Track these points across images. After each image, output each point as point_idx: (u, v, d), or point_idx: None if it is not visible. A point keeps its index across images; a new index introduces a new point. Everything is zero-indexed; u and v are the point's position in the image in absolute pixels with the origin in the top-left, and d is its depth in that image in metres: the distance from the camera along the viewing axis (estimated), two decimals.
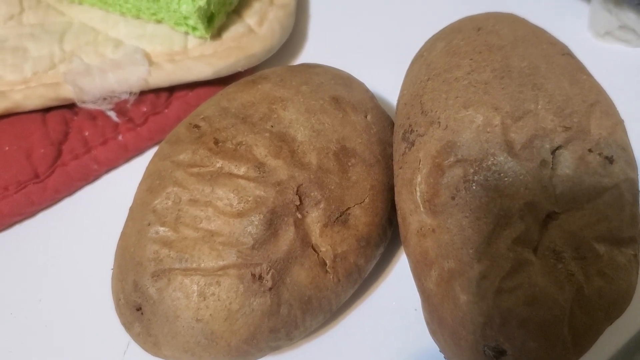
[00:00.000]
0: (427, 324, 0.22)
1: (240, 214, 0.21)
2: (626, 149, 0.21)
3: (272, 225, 0.21)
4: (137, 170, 0.29)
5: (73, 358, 0.25)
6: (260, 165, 0.22)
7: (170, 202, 0.21)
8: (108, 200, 0.29)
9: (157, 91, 0.30)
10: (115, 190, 0.29)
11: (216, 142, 0.22)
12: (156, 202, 0.22)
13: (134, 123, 0.29)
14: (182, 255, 0.21)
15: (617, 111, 0.22)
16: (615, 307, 0.20)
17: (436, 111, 0.21)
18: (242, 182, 0.21)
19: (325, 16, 0.36)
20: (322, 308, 0.22)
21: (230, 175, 0.21)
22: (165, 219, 0.21)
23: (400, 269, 0.26)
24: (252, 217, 0.21)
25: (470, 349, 0.20)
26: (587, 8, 0.33)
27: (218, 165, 0.22)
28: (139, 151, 0.30)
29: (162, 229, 0.21)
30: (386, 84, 0.30)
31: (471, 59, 0.22)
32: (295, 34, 0.34)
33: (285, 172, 0.22)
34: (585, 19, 0.33)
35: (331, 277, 0.22)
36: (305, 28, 0.35)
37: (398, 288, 0.26)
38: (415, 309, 0.25)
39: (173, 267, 0.20)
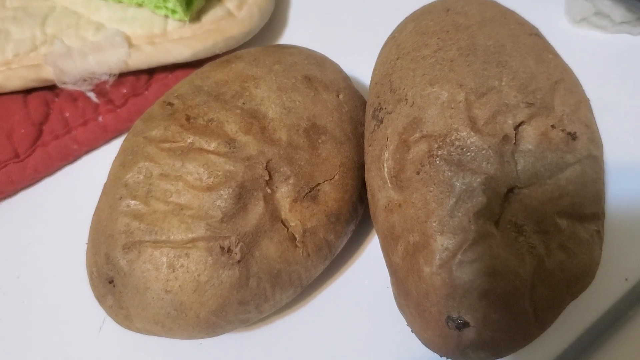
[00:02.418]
0: (395, 298, 0.22)
1: (209, 188, 0.21)
2: (590, 126, 0.22)
3: (241, 199, 0.21)
4: (116, 150, 0.30)
5: (50, 334, 0.26)
6: (230, 141, 0.22)
7: (141, 177, 0.22)
8: (87, 180, 0.29)
9: (137, 73, 0.31)
10: (95, 170, 0.30)
11: (188, 118, 0.23)
12: (128, 176, 0.22)
13: (113, 104, 0.30)
14: (152, 228, 0.21)
15: (582, 90, 0.23)
16: (577, 281, 0.21)
17: (404, 89, 0.22)
18: (212, 157, 0.22)
19: (305, 1, 0.36)
20: (292, 282, 0.22)
21: (201, 150, 0.22)
22: (137, 192, 0.22)
23: (373, 247, 0.27)
24: (222, 191, 0.21)
25: (435, 320, 0.20)
26: None
27: (189, 140, 0.22)
28: (118, 132, 0.30)
29: (133, 202, 0.21)
30: (363, 66, 0.31)
31: (439, 38, 0.22)
32: (274, 18, 0.35)
33: (255, 148, 0.22)
34: (561, 4, 0.33)
35: (301, 251, 0.22)
36: (285, 12, 0.35)
37: (370, 266, 0.26)
38: (387, 287, 0.26)
39: (143, 239, 0.21)
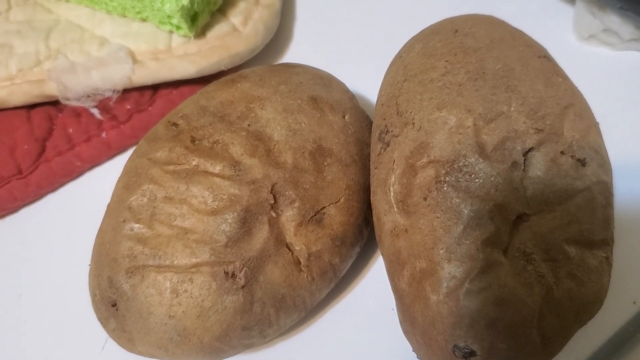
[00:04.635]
0: (401, 323, 0.22)
1: (214, 212, 0.21)
2: (599, 151, 0.21)
3: (245, 223, 0.21)
4: (120, 167, 0.29)
5: (52, 353, 0.25)
6: (235, 164, 0.22)
7: (145, 199, 0.22)
8: (91, 196, 0.29)
9: (141, 89, 0.30)
10: (98, 187, 0.29)
11: (193, 140, 0.22)
12: (132, 199, 0.22)
13: (117, 120, 0.30)
14: (155, 252, 0.21)
15: (592, 114, 0.22)
16: (586, 309, 0.20)
17: (411, 112, 0.22)
18: (217, 180, 0.21)
19: (311, 17, 0.36)
20: (297, 306, 0.22)
21: (206, 173, 0.22)
22: (140, 216, 0.21)
23: (378, 269, 0.26)
24: (226, 215, 0.21)
25: (441, 349, 0.20)
26: (572, 11, 0.33)
27: (194, 163, 0.22)
28: (122, 149, 0.30)
29: (136, 225, 0.21)
30: (369, 84, 0.30)
31: (446, 61, 0.22)
32: (280, 33, 0.34)
33: (260, 171, 0.22)
34: (570, 21, 0.33)
35: (305, 275, 0.22)
36: (291, 28, 0.35)
37: (375, 288, 0.26)
38: (392, 309, 0.25)
39: (147, 263, 0.21)
